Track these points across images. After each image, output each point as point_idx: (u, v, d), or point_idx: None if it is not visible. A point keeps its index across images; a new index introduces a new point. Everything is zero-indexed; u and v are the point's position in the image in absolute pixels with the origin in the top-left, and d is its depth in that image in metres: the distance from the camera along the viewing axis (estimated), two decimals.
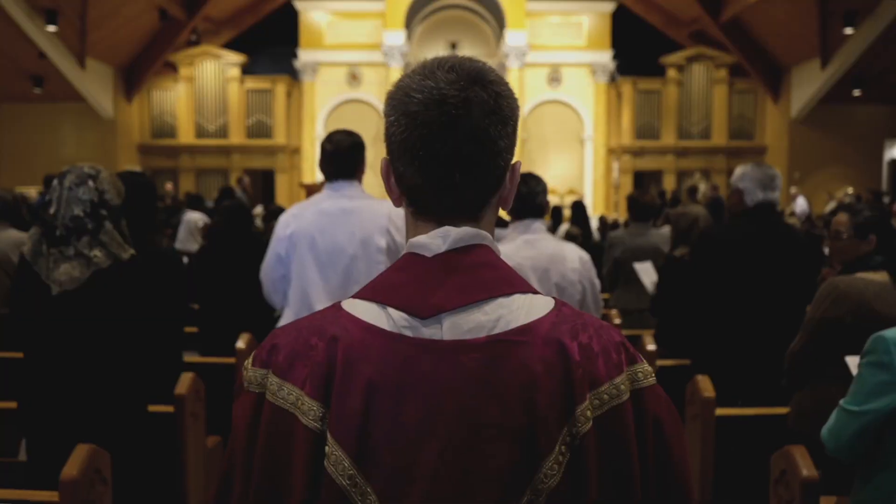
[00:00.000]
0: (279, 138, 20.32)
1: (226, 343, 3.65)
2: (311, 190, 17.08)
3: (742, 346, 3.00)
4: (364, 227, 3.04)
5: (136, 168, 20.07)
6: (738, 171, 3.06)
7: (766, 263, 2.97)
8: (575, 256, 3.07)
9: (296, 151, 20.64)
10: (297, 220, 3.11)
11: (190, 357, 3.86)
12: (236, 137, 20.20)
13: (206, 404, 2.95)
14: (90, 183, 2.34)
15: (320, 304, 3.00)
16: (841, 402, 1.91)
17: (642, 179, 21.05)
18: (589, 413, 0.97)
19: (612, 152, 20.54)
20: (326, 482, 0.95)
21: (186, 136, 20.21)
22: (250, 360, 1.05)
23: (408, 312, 0.99)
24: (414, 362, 0.97)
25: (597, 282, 3.17)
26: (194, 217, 5.23)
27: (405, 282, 1.02)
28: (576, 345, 0.98)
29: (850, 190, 14.95)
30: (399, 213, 3.12)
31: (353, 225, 3.03)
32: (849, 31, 15.10)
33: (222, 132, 20.26)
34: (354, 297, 1.06)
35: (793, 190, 16.32)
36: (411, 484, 0.94)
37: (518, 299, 1.01)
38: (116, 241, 2.34)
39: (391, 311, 1.00)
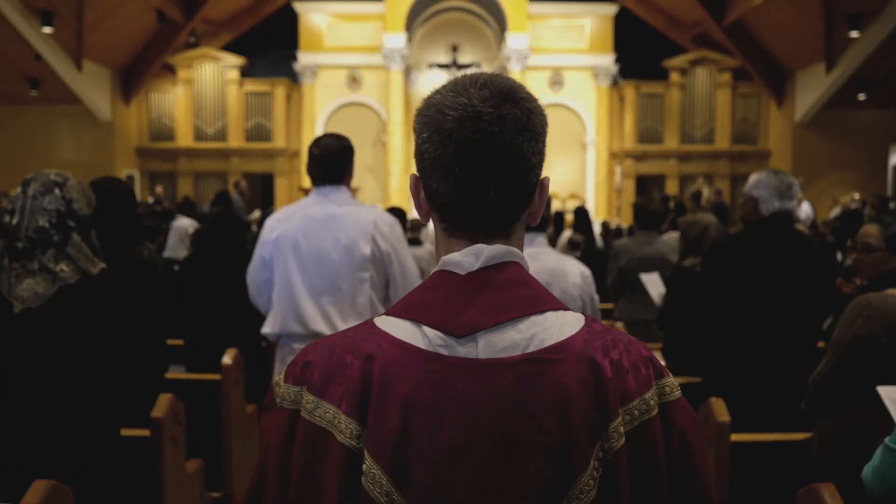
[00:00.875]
0: (278, 141, 20.17)
1: (213, 356, 3.48)
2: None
3: (756, 363, 2.82)
4: (349, 233, 3.02)
5: (135, 172, 19.95)
6: (753, 178, 2.89)
7: (782, 275, 2.79)
8: (576, 271, 3.12)
9: (295, 155, 20.47)
10: (282, 224, 3.08)
11: (175, 372, 3.69)
12: (235, 140, 20.04)
13: (189, 426, 2.77)
14: (56, 191, 2.17)
15: (305, 308, 2.99)
16: (886, 440, 1.73)
17: (645, 184, 20.90)
18: (622, 429, 1.00)
19: (614, 156, 20.37)
20: (363, 499, 0.97)
21: (185, 139, 20.05)
22: (282, 376, 1.07)
23: (443, 331, 1.01)
24: (450, 381, 0.99)
25: (596, 297, 3.20)
26: (184, 224, 5.05)
27: (439, 300, 1.03)
28: (607, 361, 1.01)
29: (857, 196, 14.75)
30: (385, 220, 3.14)
31: (339, 231, 3.01)
32: (854, 34, 14.93)
33: (221, 135, 20.10)
34: (387, 314, 1.06)
35: (798, 195, 16.10)
36: (447, 501, 0.96)
37: (551, 317, 1.04)
38: (85, 254, 2.16)
39: (426, 329, 1.01)
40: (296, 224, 3.04)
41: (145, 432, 2.41)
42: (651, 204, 4.57)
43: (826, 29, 15.68)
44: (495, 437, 0.97)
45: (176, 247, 4.77)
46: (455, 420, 0.97)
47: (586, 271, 3.16)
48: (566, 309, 1.06)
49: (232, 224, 3.56)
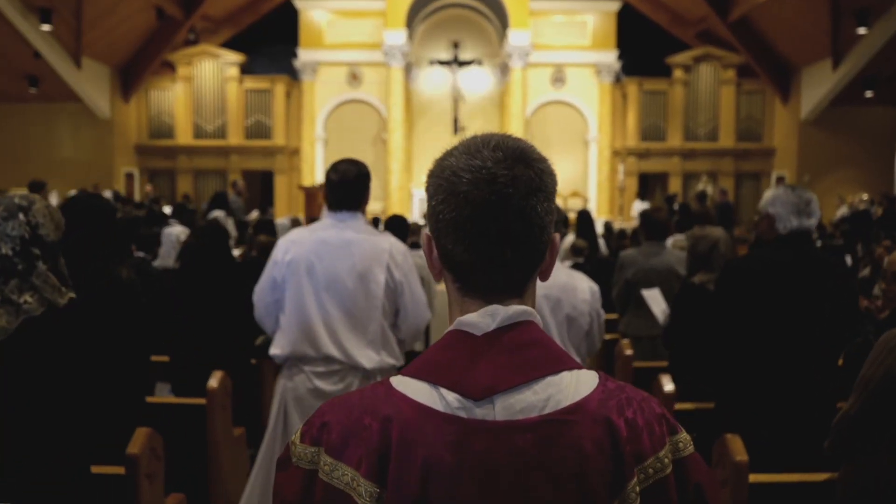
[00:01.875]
0: (278, 139, 20.01)
1: (199, 374, 3.33)
2: (310, 193, 16.81)
3: (775, 391, 2.66)
4: (364, 260, 3.03)
5: (134, 170, 19.82)
6: (769, 194, 2.72)
7: (802, 297, 2.63)
8: (585, 287, 3.17)
9: (295, 152, 20.32)
10: (296, 247, 3.06)
11: (161, 390, 3.54)
12: (235, 138, 19.89)
13: (172, 453, 2.62)
14: (21, 216, 2.00)
15: (318, 332, 2.99)
16: None
17: (648, 182, 20.72)
18: (637, 488, 1.01)
19: (616, 154, 20.18)
20: None
21: (184, 136, 19.91)
22: (298, 435, 1.07)
23: (461, 393, 1.01)
24: (468, 443, 1.00)
25: (602, 312, 3.25)
26: (176, 231, 4.90)
27: (456, 361, 1.04)
28: (622, 421, 1.02)
29: (865, 196, 14.56)
30: (399, 250, 3.14)
31: (354, 257, 3.02)
32: (861, 30, 14.73)
33: (221, 133, 19.95)
34: (404, 373, 1.07)
35: (817, 212, 15.89)
36: None
37: (566, 377, 1.04)
38: (51, 284, 2.00)
39: (444, 391, 1.02)
40: (310, 247, 3.03)
41: (120, 470, 2.26)
42: (658, 213, 4.39)
43: (833, 25, 15.47)
44: (514, 499, 0.99)
45: (167, 255, 4.62)
46: (474, 481, 0.99)
47: (595, 287, 3.20)
48: (580, 367, 1.07)
49: (220, 237, 3.41)
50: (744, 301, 2.67)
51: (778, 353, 2.65)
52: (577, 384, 1.04)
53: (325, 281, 3.01)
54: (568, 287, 3.11)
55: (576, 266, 6.69)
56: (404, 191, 19.38)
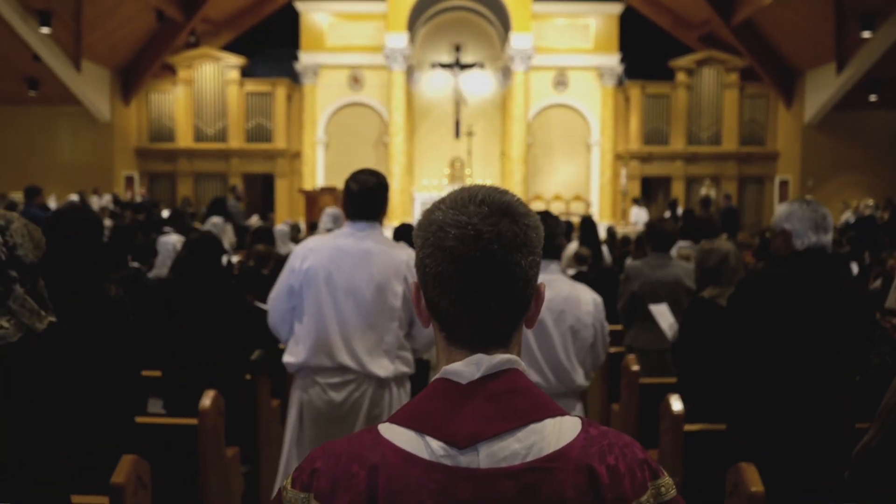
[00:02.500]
0: (279, 142, 19.92)
1: (193, 389, 3.23)
2: (311, 197, 16.71)
3: (791, 414, 2.54)
4: (383, 271, 3.03)
5: (134, 173, 19.73)
6: (784, 209, 2.61)
7: (821, 316, 2.52)
8: (589, 299, 3.14)
9: (296, 156, 20.23)
10: (314, 255, 3.06)
11: (152, 410, 3.44)
12: (235, 141, 19.80)
13: (162, 475, 2.51)
14: None
15: (334, 341, 3.00)
16: None
17: (650, 186, 20.61)
18: None
19: (619, 158, 20.07)
20: None
21: (185, 139, 19.82)
22: (289, 480, 1.10)
23: (445, 442, 1.04)
24: (453, 491, 1.02)
25: (606, 324, 3.22)
26: (172, 240, 4.78)
27: (441, 410, 1.07)
28: (604, 468, 1.05)
29: (871, 201, 14.44)
30: None
31: (372, 267, 3.02)
32: (866, 34, 14.62)
33: (221, 136, 19.86)
34: (391, 421, 1.09)
35: (807, 199, 15.79)
36: None
37: (549, 424, 1.06)
38: (29, 308, 1.89)
39: (429, 439, 1.05)
40: (329, 255, 3.04)
41: (104, 501, 2.15)
42: (664, 224, 4.28)
43: (837, 29, 15.37)
44: None
45: (164, 265, 4.51)
46: None
47: (598, 299, 3.17)
48: (563, 414, 1.09)
49: (212, 249, 3.30)
50: (760, 319, 2.56)
51: (795, 373, 2.54)
52: (559, 431, 1.06)
53: (344, 290, 3.01)
54: (571, 299, 3.09)
55: (579, 274, 6.57)
56: (406, 194, 19.28)
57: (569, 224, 8.59)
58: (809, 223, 2.55)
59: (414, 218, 18.82)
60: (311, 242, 3.19)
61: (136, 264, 4.29)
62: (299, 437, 3.06)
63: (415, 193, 19.37)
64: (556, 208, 19.85)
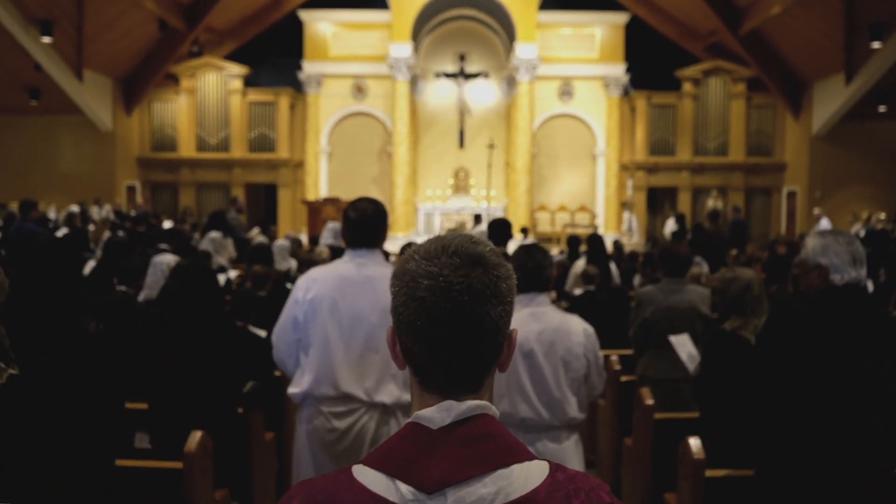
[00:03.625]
0: (282, 152, 19.79)
1: (180, 426, 3.05)
2: (313, 207, 16.55)
3: (824, 462, 2.35)
4: (387, 296, 2.77)
5: (136, 183, 19.59)
6: (818, 243, 2.41)
7: (861, 358, 2.32)
8: (580, 330, 3.09)
9: (299, 165, 20.10)
10: (317, 285, 3.07)
11: (134, 452, 3.25)
12: (238, 151, 19.67)
13: None
14: None
15: (340, 370, 2.99)
16: None
17: (656, 196, 20.42)
18: None
19: (625, 168, 19.88)
20: None
21: (187, 149, 19.70)
22: None
23: (414, 486, 1.07)
24: None
25: (600, 354, 3.17)
26: (167, 260, 4.60)
27: (411, 454, 1.09)
28: None
29: (883, 215, 14.21)
30: None
31: (376, 293, 3.02)
32: (876, 45, 14.43)
33: (224, 146, 19.73)
34: (365, 462, 1.12)
35: (816, 211, 15.61)
36: None
37: (516, 469, 1.09)
38: None
39: (399, 483, 1.08)
40: (332, 284, 3.05)
41: None
42: (678, 248, 4.07)
43: (846, 39, 15.18)
44: None
45: (156, 285, 4.32)
46: None
47: (590, 329, 3.14)
48: (532, 458, 1.11)
49: (200, 276, 3.12)
50: (796, 359, 2.37)
51: (831, 416, 2.34)
52: (526, 477, 1.08)
53: (349, 318, 3.01)
54: (561, 330, 3.05)
55: (586, 294, 6.37)
56: (409, 205, 19.12)
57: (576, 239, 8.42)
58: (847, 258, 2.36)
59: (418, 228, 18.67)
60: (314, 273, 3.19)
61: (123, 287, 4.09)
62: (314, 467, 3.04)
63: (418, 204, 19.19)
64: (561, 219, 19.69)
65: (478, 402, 1.12)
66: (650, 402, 3.41)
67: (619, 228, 19.59)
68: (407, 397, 2.86)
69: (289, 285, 6.61)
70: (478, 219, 14.57)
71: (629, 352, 4.68)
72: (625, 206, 18.51)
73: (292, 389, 3.08)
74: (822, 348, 2.35)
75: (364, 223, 3.08)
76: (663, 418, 3.44)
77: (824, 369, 2.35)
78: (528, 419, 2.99)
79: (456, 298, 1.08)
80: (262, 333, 4.12)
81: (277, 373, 4.10)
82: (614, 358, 4.44)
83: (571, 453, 3.04)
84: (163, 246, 7.17)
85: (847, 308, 2.35)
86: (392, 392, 3.02)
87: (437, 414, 1.10)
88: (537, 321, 3.01)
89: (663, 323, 3.97)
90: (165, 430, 3.15)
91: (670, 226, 17.46)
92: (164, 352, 3.14)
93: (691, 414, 3.41)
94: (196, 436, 2.68)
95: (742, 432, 2.75)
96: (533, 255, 3.09)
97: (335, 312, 3.01)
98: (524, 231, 14.54)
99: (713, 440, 2.92)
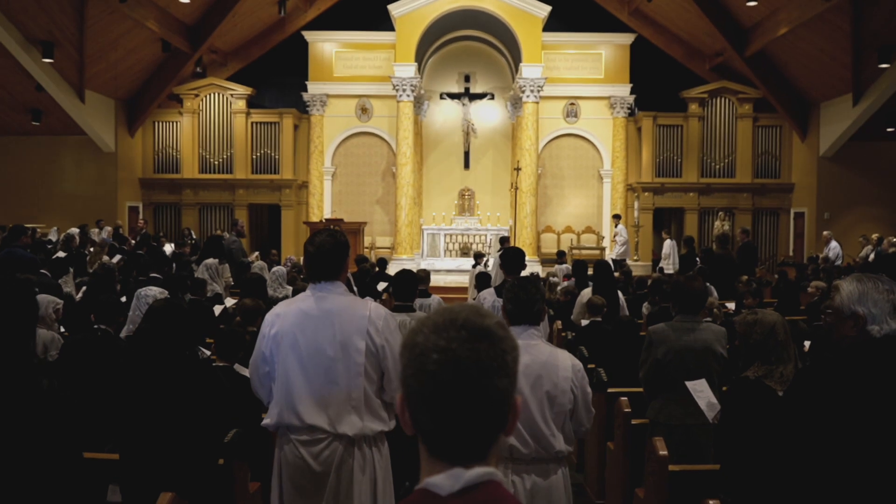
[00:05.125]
0: (286, 173, 19.65)
1: (154, 478, 2.82)
2: (315, 228, 16.35)
3: None
4: (344, 329, 3.11)
5: (138, 204, 19.46)
6: (854, 289, 2.18)
7: None
8: (567, 365, 3.12)
9: (303, 186, 19.95)
10: (280, 320, 3.17)
11: (112, 494, 3.01)
12: (241, 172, 19.55)
13: None
14: None
15: (302, 403, 3.06)
16: None
17: (663, 217, 20.19)
18: None
19: (631, 189, 19.68)
20: None
21: (190, 170, 19.58)
22: None
23: None
24: None
25: (588, 390, 3.18)
26: (153, 293, 4.40)
27: None
28: None
29: (895, 239, 13.92)
30: (378, 315, 3.18)
31: (335, 327, 3.10)
32: (884, 66, 14.25)
33: (227, 166, 19.61)
34: None
35: (825, 233, 15.36)
36: None
37: None
38: None
39: None
40: (293, 320, 3.14)
41: None
42: (692, 283, 3.82)
43: (854, 60, 15.01)
44: None
45: (139, 320, 4.10)
46: None
47: (578, 364, 3.15)
48: None
49: (176, 319, 2.91)
50: (830, 418, 2.13)
51: (869, 483, 2.11)
52: None
53: (309, 352, 3.08)
54: (549, 364, 3.09)
55: (593, 325, 6.12)
56: (414, 226, 18.92)
57: (583, 265, 8.16)
58: (887, 307, 2.14)
59: (423, 250, 18.44)
60: (279, 308, 3.27)
61: (102, 325, 3.87)
62: (280, 496, 3.12)
63: (423, 226, 18.99)
64: (567, 241, 19.47)
65: (485, 469, 1.16)
66: (664, 452, 3.17)
67: (629, 251, 19.34)
68: (372, 427, 3.07)
69: None
70: (503, 241, 14.15)
71: (638, 389, 4.42)
72: (616, 217, 18.27)
73: (266, 421, 3.17)
74: (858, 407, 2.12)
75: (322, 257, 3.15)
76: (679, 470, 3.19)
77: (861, 430, 2.12)
78: (515, 448, 3.03)
79: (464, 372, 1.12)
80: (248, 373, 3.90)
81: (264, 415, 3.86)
82: (624, 399, 4.18)
83: (560, 490, 3.09)
84: (154, 274, 6.96)
85: (887, 364, 2.11)
86: (354, 424, 3.06)
87: (446, 481, 1.14)
88: (527, 353, 3.02)
89: (676, 364, 3.73)
90: (137, 484, 2.91)
91: (667, 248, 17.25)
92: (136, 398, 2.91)
93: (710, 466, 3.16)
94: (166, 498, 2.45)
95: (768, 491, 2.51)
96: (526, 288, 3.15)
97: (295, 347, 3.10)
98: (503, 241, 14.41)
99: (735, 497, 2.67)
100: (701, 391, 3.34)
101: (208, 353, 4.46)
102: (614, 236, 17.90)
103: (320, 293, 3.15)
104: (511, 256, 5.44)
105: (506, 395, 1.15)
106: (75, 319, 3.91)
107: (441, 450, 1.15)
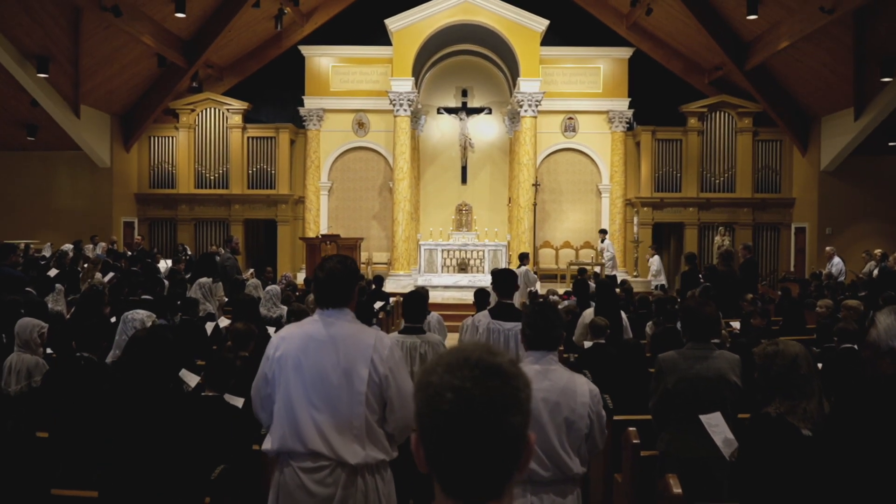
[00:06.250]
0: (282, 188, 19.50)
1: None
2: (312, 245, 16.17)
3: None
4: (349, 356, 3.07)
5: (134, 219, 19.27)
6: (892, 323, 2.01)
7: None
8: (585, 390, 3.19)
9: (299, 202, 19.80)
10: (285, 343, 3.15)
11: None
12: (237, 187, 19.39)
13: None
14: None
15: (305, 429, 3.01)
16: None
17: (662, 232, 20.05)
18: None
19: (630, 204, 19.54)
20: None
21: (185, 185, 19.43)
22: None
23: None
24: None
25: (603, 413, 3.24)
26: (139, 317, 4.21)
27: None
28: None
29: None
30: (384, 344, 3.15)
31: (339, 354, 3.07)
32: (886, 79, 14.15)
33: (223, 182, 19.46)
34: None
35: (828, 249, 15.20)
36: None
37: None
38: None
39: None
40: (298, 344, 3.11)
41: None
42: (704, 307, 3.63)
43: (856, 74, 14.91)
44: None
45: (125, 343, 3.90)
46: None
47: (595, 389, 3.23)
48: None
49: (156, 351, 2.72)
50: (868, 462, 1.95)
51: None
52: None
53: (312, 377, 3.05)
54: (567, 390, 3.13)
55: (596, 347, 5.93)
56: (411, 242, 18.75)
57: (584, 284, 7.97)
58: None
59: (420, 266, 18.24)
60: (285, 331, 3.25)
61: (86, 353, 3.67)
62: None
63: (420, 241, 18.82)
64: (566, 256, 19.28)
65: None
66: (678, 490, 2.97)
67: (627, 266, 19.18)
68: (374, 456, 3.03)
69: (272, 331, 6.20)
70: (523, 258, 13.57)
71: (647, 417, 4.23)
72: (603, 231, 18.09)
73: (265, 445, 3.12)
74: None
75: (332, 283, 3.14)
76: None
77: None
78: (534, 471, 3.06)
79: (478, 410, 1.13)
80: (240, 402, 3.70)
81: (256, 447, 3.68)
82: (632, 430, 3.99)
83: None
84: (145, 296, 6.77)
85: None
86: (357, 452, 3.02)
87: None
88: (545, 379, 3.11)
89: (688, 394, 3.53)
90: None
91: (657, 264, 17.07)
92: (115, 434, 2.71)
93: None
94: None
95: None
96: (545, 314, 3.19)
97: (299, 371, 3.06)
98: (523, 258, 13.71)
99: None
100: (716, 425, 3.15)
101: (198, 378, 4.27)
102: (601, 251, 17.74)
103: (328, 318, 3.14)
104: (502, 279, 5.33)
105: (520, 432, 1.17)
106: (63, 342, 3.73)
107: (456, 488, 1.16)
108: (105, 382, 3.55)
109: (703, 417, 3.27)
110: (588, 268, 15.29)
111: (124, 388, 2.73)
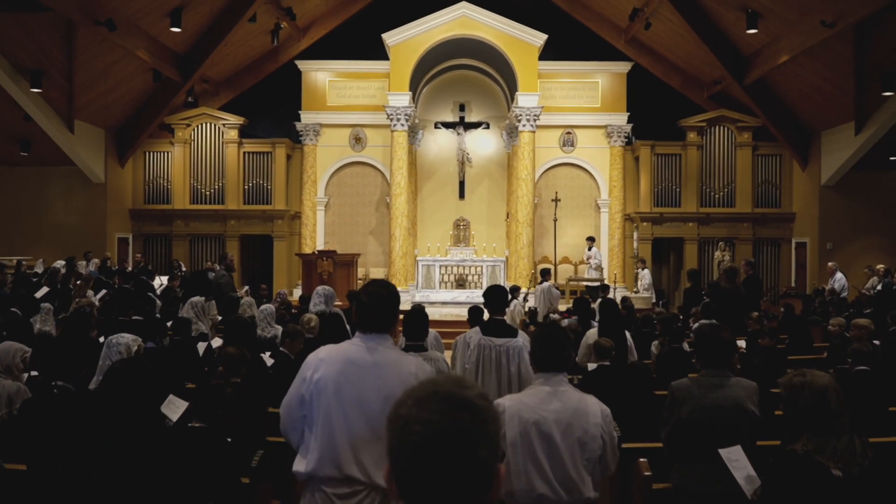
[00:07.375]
0: (278, 203, 19.33)
1: None
2: (308, 261, 15.95)
3: None
4: (391, 384, 3.03)
5: (128, 235, 19.06)
6: None
7: None
8: (597, 411, 3.16)
9: (295, 217, 19.61)
10: (325, 365, 3.09)
11: None
12: (233, 202, 19.22)
13: None
14: None
15: (342, 452, 2.98)
16: None
17: (662, 247, 19.89)
18: None
19: (629, 219, 19.39)
20: None
21: (181, 200, 19.25)
22: None
23: None
24: None
25: (615, 434, 3.21)
26: (124, 342, 4.01)
27: None
28: None
29: None
30: (425, 371, 3.16)
31: (381, 380, 3.04)
32: (888, 94, 14.05)
33: (218, 197, 19.28)
34: None
35: (830, 264, 15.04)
36: None
37: None
38: None
39: None
40: (339, 367, 3.07)
41: None
42: (719, 332, 3.44)
43: (857, 88, 14.81)
44: None
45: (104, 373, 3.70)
46: None
47: (606, 410, 3.20)
48: None
49: (136, 383, 2.53)
50: None
51: None
52: None
53: (353, 403, 3.02)
54: (579, 411, 3.12)
55: (601, 369, 5.74)
56: (408, 257, 18.56)
57: (586, 302, 7.78)
58: None
59: (417, 282, 18.05)
60: (323, 353, 3.19)
61: (61, 382, 3.47)
62: None
63: (418, 257, 18.63)
64: (564, 272, 19.10)
65: None
66: None
67: (626, 281, 19.00)
68: None
69: (267, 356, 5.99)
70: (545, 273, 12.85)
71: (657, 444, 4.02)
72: (590, 239, 17.90)
73: (297, 467, 3.08)
74: None
75: (377, 308, 3.10)
76: None
77: None
78: (544, 496, 3.03)
79: (446, 443, 1.15)
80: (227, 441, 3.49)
81: (246, 479, 3.47)
82: (643, 461, 3.78)
83: None
84: (136, 317, 6.56)
85: None
86: None
87: None
88: (556, 400, 3.12)
89: (704, 424, 3.34)
90: None
91: (647, 279, 16.87)
92: (89, 470, 2.51)
93: None
94: None
95: None
96: (555, 337, 3.18)
97: (339, 396, 3.02)
98: (545, 273, 12.94)
99: None
100: (737, 460, 2.96)
101: (186, 405, 4.06)
102: (588, 259, 17.53)
103: (371, 343, 3.10)
104: (493, 295, 5.19)
105: (488, 464, 1.18)
106: (47, 364, 3.52)
107: None
108: (79, 414, 3.35)
109: (722, 452, 3.07)
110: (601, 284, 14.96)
111: (100, 421, 2.53)
